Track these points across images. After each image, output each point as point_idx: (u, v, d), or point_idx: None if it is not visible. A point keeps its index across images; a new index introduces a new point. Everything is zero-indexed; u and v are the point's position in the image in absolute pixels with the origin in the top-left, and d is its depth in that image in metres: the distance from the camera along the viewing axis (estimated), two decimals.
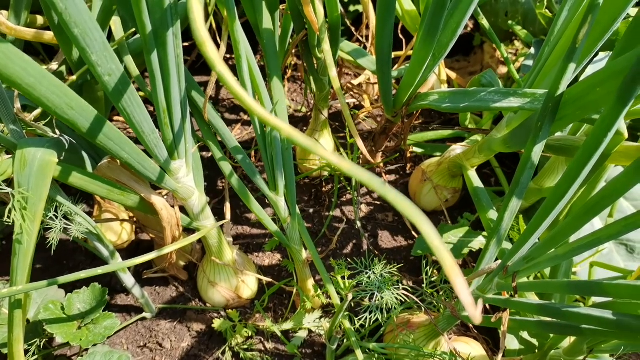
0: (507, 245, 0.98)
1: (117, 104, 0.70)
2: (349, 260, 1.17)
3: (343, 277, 0.90)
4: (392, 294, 0.74)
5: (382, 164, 1.32)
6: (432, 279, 0.98)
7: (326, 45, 0.87)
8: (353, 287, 0.83)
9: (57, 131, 0.83)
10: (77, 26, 0.59)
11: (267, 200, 1.24)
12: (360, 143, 0.91)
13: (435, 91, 0.97)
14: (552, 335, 0.93)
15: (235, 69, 1.62)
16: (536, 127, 0.76)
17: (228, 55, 1.65)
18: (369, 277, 0.76)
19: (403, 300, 0.79)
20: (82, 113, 0.67)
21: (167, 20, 0.67)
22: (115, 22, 0.95)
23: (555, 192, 0.73)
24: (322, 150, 0.41)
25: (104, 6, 0.89)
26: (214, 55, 0.45)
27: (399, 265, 0.79)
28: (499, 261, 0.87)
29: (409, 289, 0.88)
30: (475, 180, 1.06)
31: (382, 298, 0.73)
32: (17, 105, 0.72)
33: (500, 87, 1.13)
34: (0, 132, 0.74)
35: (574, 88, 0.73)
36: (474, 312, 0.36)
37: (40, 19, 1.19)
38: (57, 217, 0.79)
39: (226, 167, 0.91)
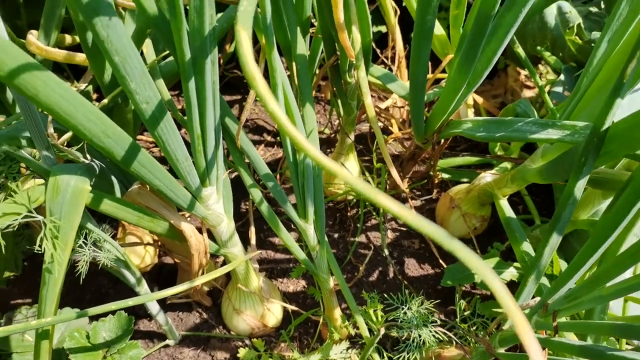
0: (543, 280, 0.94)
1: (152, 131, 0.69)
2: (381, 294, 1.14)
3: (375, 310, 0.88)
4: (430, 331, 0.71)
5: (408, 190, 1.30)
6: (465, 312, 0.95)
7: (362, 73, 0.85)
8: (386, 322, 0.80)
9: (88, 155, 0.82)
10: (118, 54, 0.58)
11: (292, 225, 1.22)
12: (394, 172, 0.89)
13: (469, 119, 0.95)
14: None
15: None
16: (579, 162, 0.73)
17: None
18: (404, 313, 0.73)
19: (441, 339, 0.76)
20: (117, 141, 0.66)
21: (206, 48, 0.66)
22: (147, 45, 0.95)
23: (601, 231, 0.71)
24: (385, 199, 0.39)
25: (137, 29, 0.88)
26: (266, 92, 0.44)
27: (435, 302, 0.77)
28: (537, 298, 0.84)
29: (438, 322, 0.85)
30: (507, 210, 1.04)
31: (420, 336, 0.71)
32: (50, 129, 0.71)
33: (535, 116, 1.10)
34: (32, 157, 0.73)
35: (621, 123, 0.71)
36: None
37: (68, 38, 1.19)
38: (86, 244, 0.78)
39: (256, 194, 0.90)
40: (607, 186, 0.85)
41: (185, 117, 0.74)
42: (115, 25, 0.55)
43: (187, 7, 0.63)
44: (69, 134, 0.84)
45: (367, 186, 0.41)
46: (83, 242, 0.78)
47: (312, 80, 1.07)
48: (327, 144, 1.45)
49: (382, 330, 0.82)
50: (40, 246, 0.67)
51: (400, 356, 0.70)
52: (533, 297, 0.87)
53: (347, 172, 0.42)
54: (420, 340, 0.71)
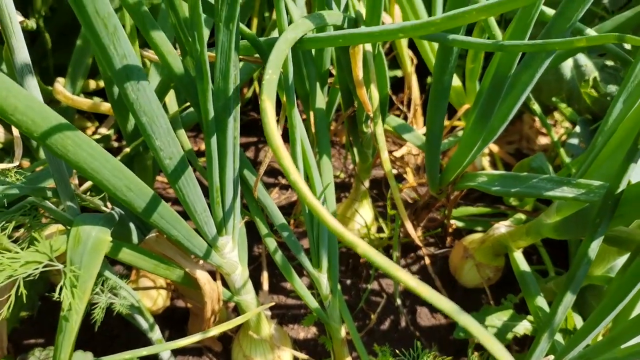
0: (557, 337, 0.93)
1: (174, 184, 0.70)
2: (389, 341, 1.14)
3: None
4: None
5: (421, 238, 1.30)
6: None
7: (379, 129, 0.87)
8: None
9: (108, 204, 0.84)
10: (146, 115, 0.61)
11: (303, 272, 1.23)
12: (409, 226, 0.90)
13: (484, 173, 0.96)
14: None
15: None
16: (594, 223, 0.74)
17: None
18: None
19: None
20: (139, 194, 0.68)
21: (229, 107, 0.68)
22: (170, 95, 0.97)
23: (616, 292, 0.70)
24: (404, 274, 0.40)
25: (161, 82, 0.91)
26: (289, 164, 0.45)
27: (448, 358, 0.77)
28: (551, 357, 0.83)
29: None
30: (522, 264, 1.03)
31: None
32: (75, 181, 0.74)
33: (550, 169, 1.11)
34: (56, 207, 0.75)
35: (635, 187, 0.71)
36: None
37: (92, 84, 1.23)
38: (103, 292, 0.79)
39: (271, 243, 0.91)
40: (622, 245, 0.85)
41: (205, 165, 0.76)
42: (145, 88, 0.58)
43: (211, 65, 0.66)
44: (89, 183, 0.87)
45: (386, 260, 0.42)
46: (100, 289, 0.79)
47: (329, 129, 1.09)
48: (341, 188, 1.46)
49: None
50: (59, 294, 0.68)
51: None
52: (546, 355, 0.86)
53: (366, 246, 0.43)
54: None
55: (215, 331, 0.76)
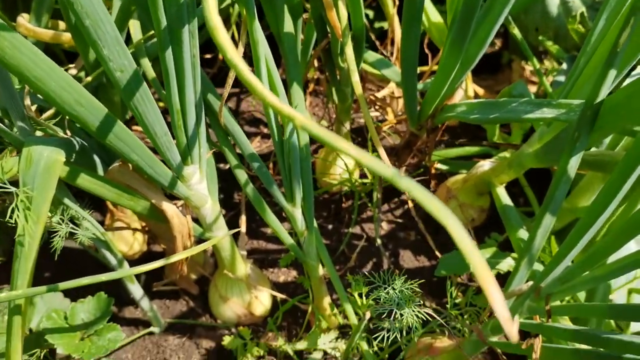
0: (538, 267, 0.91)
1: (128, 102, 0.67)
2: (367, 275, 1.11)
3: (360, 295, 0.85)
4: (413, 311, 0.68)
5: None
6: (457, 301, 0.92)
7: (348, 50, 0.83)
8: (370, 307, 0.77)
9: (68, 132, 0.81)
10: (89, 17, 0.57)
11: (284, 215, 1.20)
12: (382, 152, 0.86)
13: (463, 102, 0.93)
14: None
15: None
16: (572, 138, 0.70)
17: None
18: (387, 293, 0.70)
19: (425, 319, 0.73)
20: (92, 110, 0.65)
21: (182, 16, 0.64)
22: (134, 25, 0.93)
23: (592, 209, 0.67)
24: (342, 142, 0.37)
25: (122, 6, 0.87)
26: (224, 39, 0.42)
27: (420, 281, 0.73)
28: (530, 282, 0.80)
29: (430, 311, 0.82)
30: (504, 198, 1.00)
31: (402, 316, 0.68)
32: (27, 102, 0.70)
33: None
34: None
35: (616, 95, 0.67)
36: (511, 328, 0.31)
37: (62, 25, 1.18)
38: (63, 221, 0.76)
39: (241, 175, 0.88)
40: (606, 168, 0.81)
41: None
42: None
43: None
44: (50, 111, 0.83)
45: (323, 130, 0.38)
46: (60, 218, 0.76)
47: (305, 66, 1.05)
48: None
49: (368, 314, 0.79)
50: (12, 218, 0.66)
51: (380, 334, 0.67)
52: (527, 282, 0.83)
53: (304, 118, 0.39)
54: (403, 320, 0.68)
55: (178, 257, 0.73)
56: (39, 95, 0.87)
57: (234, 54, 0.41)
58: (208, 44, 1.49)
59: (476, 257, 0.32)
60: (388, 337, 0.71)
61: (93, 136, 0.83)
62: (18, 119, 0.69)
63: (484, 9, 0.82)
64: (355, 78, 0.83)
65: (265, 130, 1.45)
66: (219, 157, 0.97)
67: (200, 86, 0.74)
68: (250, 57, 0.94)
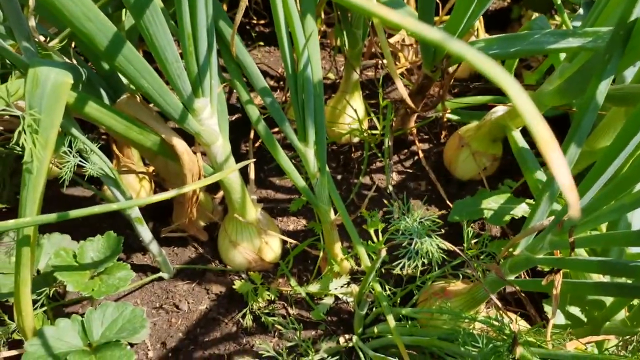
0: (556, 207, 0.89)
1: (138, 20, 0.64)
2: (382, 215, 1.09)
3: (376, 232, 0.83)
4: (434, 240, 0.66)
5: (414, 131, 1.25)
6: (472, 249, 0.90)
7: None
8: (386, 243, 0.75)
9: (74, 61, 0.77)
10: None
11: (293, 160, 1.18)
12: (402, 88, 0.83)
13: (481, 39, 0.89)
14: (607, 305, 0.84)
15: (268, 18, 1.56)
16: (602, 61, 0.67)
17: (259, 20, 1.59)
18: (406, 223, 0.68)
19: (443, 254, 0.71)
20: (100, 27, 0.61)
21: None
22: None
23: (617, 140, 0.65)
24: (377, 6, 0.34)
25: None
26: None
27: (439, 212, 0.71)
28: (552, 217, 0.78)
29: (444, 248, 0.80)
30: (520, 141, 0.98)
31: (422, 244, 0.65)
32: (32, 23, 0.67)
33: None
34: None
35: None
36: (574, 198, 0.29)
37: None
38: (71, 153, 0.74)
39: (253, 111, 0.85)
40: (631, 101, 0.79)
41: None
42: None
43: None
44: (55, 41, 0.80)
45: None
46: (67, 150, 0.73)
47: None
48: (332, 89, 1.40)
49: (383, 252, 0.77)
50: (18, 144, 0.63)
51: (401, 262, 0.65)
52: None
53: None
54: (423, 248, 0.66)
55: (190, 187, 0.71)
56: (43, 26, 0.84)
57: None
58: None
59: (533, 115, 0.29)
60: (401, 270, 0.69)
61: (102, 58, 0.80)
62: (23, 39, 0.65)
63: None
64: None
65: (272, 83, 1.42)
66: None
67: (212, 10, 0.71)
68: None
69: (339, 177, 1.20)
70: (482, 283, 0.80)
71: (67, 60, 0.74)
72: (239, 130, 1.27)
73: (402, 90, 0.85)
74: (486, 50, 0.87)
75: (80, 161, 0.75)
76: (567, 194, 0.28)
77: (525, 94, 0.28)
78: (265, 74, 1.44)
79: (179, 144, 0.81)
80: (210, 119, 0.80)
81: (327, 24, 1.54)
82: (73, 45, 0.81)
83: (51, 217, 0.65)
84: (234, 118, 1.31)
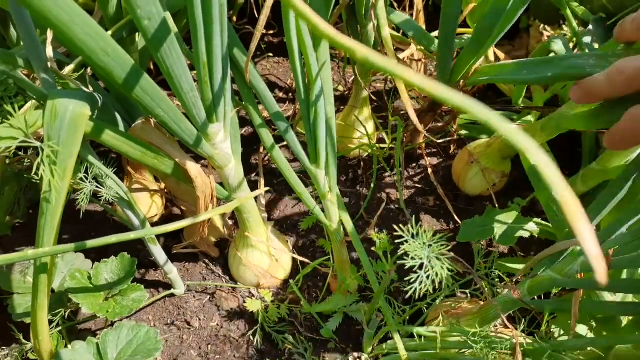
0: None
1: (155, 53, 0.64)
2: (391, 233, 1.10)
3: (385, 253, 0.84)
4: (443, 263, 0.67)
5: (423, 145, 1.25)
6: (478, 267, 0.91)
7: (380, 2, 0.80)
8: (395, 263, 0.76)
9: (90, 87, 0.78)
10: None
11: (303, 177, 1.18)
12: (411, 110, 0.84)
13: (504, 62, 0.89)
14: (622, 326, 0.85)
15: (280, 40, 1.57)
16: None
17: (273, 31, 1.59)
18: (415, 247, 0.69)
19: (453, 276, 0.71)
20: (118, 61, 0.62)
21: None
22: None
23: None
24: (399, 67, 0.35)
25: None
26: None
27: (448, 235, 0.72)
28: (576, 239, 0.78)
29: (453, 268, 0.80)
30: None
31: (433, 267, 0.66)
32: (49, 51, 0.68)
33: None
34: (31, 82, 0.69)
35: None
36: (602, 269, 0.29)
37: None
38: (87, 179, 0.75)
39: (266, 135, 0.86)
40: None
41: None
42: None
43: None
44: (71, 66, 0.81)
45: (385, 59, 0.36)
46: (84, 176, 0.74)
47: (328, 11, 1.01)
48: (341, 101, 1.40)
49: (393, 272, 0.78)
50: (37, 174, 0.64)
51: (412, 287, 0.66)
52: None
53: (365, 48, 0.37)
54: (433, 272, 0.66)
55: (205, 216, 0.72)
56: (58, 51, 0.85)
57: None
58: None
59: (560, 184, 0.29)
60: (414, 293, 0.70)
61: (118, 89, 0.81)
62: (41, 70, 0.66)
63: None
64: (385, 33, 0.81)
65: (281, 95, 1.42)
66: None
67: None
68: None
69: (348, 191, 1.21)
70: (495, 304, 0.80)
71: (84, 88, 0.74)
72: (249, 142, 1.28)
73: (413, 117, 0.85)
74: (513, 75, 0.86)
75: (96, 186, 0.76)
76: (595, 264, 0.29)
77: (553, 165, 0.28)
78: (274, 85, 1.45)
79: (193, 167, 0.82)
80: (223, 142, 0.81)
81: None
82: (90, 71, 0.82)
83: (69, 247, 0.66)
84: (243, 130, 1.32)
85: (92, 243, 0.67)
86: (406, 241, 0.70)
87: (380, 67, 0.35)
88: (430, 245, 0.70)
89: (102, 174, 0.76)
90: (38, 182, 1.03)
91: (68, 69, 0.79)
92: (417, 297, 0.70)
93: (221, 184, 0.89)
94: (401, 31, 1.10)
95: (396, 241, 0.70)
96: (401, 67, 0.35)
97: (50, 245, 0.67)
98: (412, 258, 0.67)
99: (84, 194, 0.73)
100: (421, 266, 0.68)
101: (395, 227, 1.13)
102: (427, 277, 0.66)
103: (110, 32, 0.83)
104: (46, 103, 0.65)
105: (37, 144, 0.65)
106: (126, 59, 0.63)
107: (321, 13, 0.81)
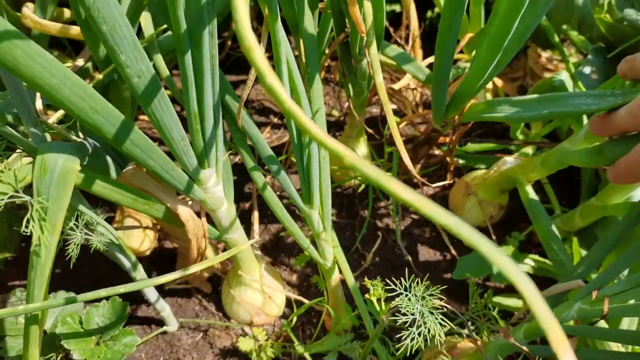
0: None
1: (145, 108, 0.64)
2: (385, 280, 1.10)
3: (379, 300, 0.83)
4: (436, 318, 0.66)
5: (419, 175, 1.25)
6: (474, 304, 0.90)
7: (373, 49, 0.79)
8: (390, 310, 0.76)
9: (80, 134, 0.78)
10: (106, 22, 0.53)
11: (296, 211, 1.18)
12: (405, 157, 0.83)
13: (502, 99, 0.89)
14: None
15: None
16: None
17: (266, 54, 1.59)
18: (409, 299, 0.68)
19: (448, 328, 0.71)
20: (107, 117, 0.61)
21: (203, 18, 0.61)
22: (145, 18, 0.89)
23: None
24: (394, 184, 0.34)
25: (133, 0, 0.83)
26: (264, 65, 0.38)
27: (441, 288, 0.71)
28: (578, 280, 0.77)
29: (447, 312, 0.80)
30: (532, 194, 0.98)
31: (425, 324, 0.66)
32: (39, 105, 0.67)
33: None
34: (21, 134, 0.69)
35: None
36: None
37: (67, 12, 1.14)
38: (77, 227, 0.74)
39: (259, 177, 0.85)
40: None
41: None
42: None
43: None
44: (60, 112, 0.80)
45: (376, 171, 0.35)
46: (74, 224, 0.74)
47: (320, 58, 1.01)
48: (336, 127, 1.40)
49: (386, 320, 0.77)
50: (27, 227, 0.63)
51: (404, 344, 0.65)
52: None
53: (354, 155, 0.36)
54: (426, 328, 0.66)
55: (195, 268, 0.71)
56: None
57: (274, 79, 0.38)
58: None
59: (546, 317, 0.29)
60: (411, 346, 0.70)
61: (107, 142, 0.80)
62: (30, 124, 0.65)
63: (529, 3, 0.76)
64: (379, 79, 0.80)
65: (276, 120, 1.42)
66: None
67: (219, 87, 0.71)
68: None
69: (343, 222, 1.20)
70: (484, 354, 0.80)
71: (74, 138, 0.74)
72: (241, 173, 1.27)
73: (407, 162, 0.84)
74: (510, 113, 0.86)
75: (86, 233, 0.76)
76: None
77: (549, 311, 0.28)
78: (269, 110, 1.44)
79: (184, 211, 0.81)
80: (215, 187, 0.80)
81: (331, 58, 1.54)
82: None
83: (59, 301, 0.66)
84: (237, 159, 1.32)
85: (82, 297, 0.67)
86: (401, 293, 0.70)
87: (370, 178, 0.35)
88: (423, 298, 0.69)
89: (93, 222, 0.76)
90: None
91: (58, 114, 0.78)
92: (408, 354, 0.70)
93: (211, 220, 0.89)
94: None
95: (389, 295, 0.69)
96: (389, 178, 0.34)
97: (40, 300, 0.66)
98: (404, 314, 0.66)
99: (74, 243, 0.72)
100: (413, 322, 0.67)
101: (388, 262, 1.12)
102: (419, 334, 0.66)
103: (101, 76, 0.82)
104: (35, 157, 0.64)
105: (27, 198, 0.64)
106: (115, 114, 0.62)
107: (316, 60, 0.80)
